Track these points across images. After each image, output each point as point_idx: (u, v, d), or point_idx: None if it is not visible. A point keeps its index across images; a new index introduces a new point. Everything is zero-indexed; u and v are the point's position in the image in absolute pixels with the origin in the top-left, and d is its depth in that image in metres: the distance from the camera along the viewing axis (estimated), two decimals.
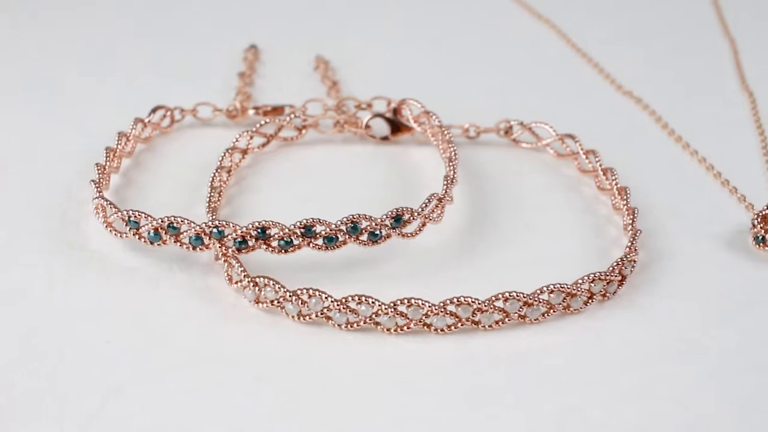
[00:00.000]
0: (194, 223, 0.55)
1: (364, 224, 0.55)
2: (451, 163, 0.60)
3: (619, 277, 0.56)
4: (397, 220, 0.56)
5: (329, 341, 0.53)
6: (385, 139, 0.67)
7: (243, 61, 0.74)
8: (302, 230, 0.55)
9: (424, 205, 0.57)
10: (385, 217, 0.55)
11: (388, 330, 0.53)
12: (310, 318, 0.53)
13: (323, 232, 0.55)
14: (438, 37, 0.80)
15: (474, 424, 0.49)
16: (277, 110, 0.68)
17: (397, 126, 0.67)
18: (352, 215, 0.55)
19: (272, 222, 0.55)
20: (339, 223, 0.55)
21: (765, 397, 0.51)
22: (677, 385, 0.51)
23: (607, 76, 0.75)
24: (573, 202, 0.63)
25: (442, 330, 0.53)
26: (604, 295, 0.55)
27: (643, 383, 0.51)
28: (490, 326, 0.53)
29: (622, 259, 0.56)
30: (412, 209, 0.56)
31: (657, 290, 0.57)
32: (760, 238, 0.60)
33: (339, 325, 0.53)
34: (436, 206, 0.57)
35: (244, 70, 0.73)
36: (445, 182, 0.58)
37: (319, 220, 0.55)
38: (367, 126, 0.67)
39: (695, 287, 0.57)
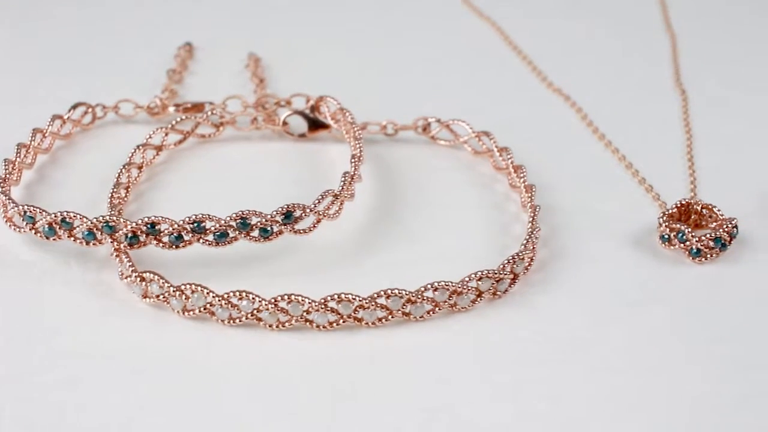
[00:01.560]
0: (86, 218, 0.55)
1: (254, 220, 0.55)
2: (353, 161, 0.60)
3: (511, 275, 0.55)
4: (288, 216, 0.55)
5: (212, 336, 0.53)
6: (302, 136, 0.67)
7: (175, 59, 0.74)
8: (192, 226, 0.55)
9: (316, 201, 0.56)
10: (275, 213, 0.55)
11: (270, 326, 0.53)
12: (194, 313, 0.53)
13: (213, 228, 0.55)
14: (379, 35, 0.80)
15: (344, 420, 0.49)
16: (197, 107, 0.68)
17: (315, 123, 0.67)
18: (242, 211, 0.55)
19: (162, 218, 0.55)
20: (228, 218, 0.55)
21: (642, 397, 0.50)
22: (555, 384, 0.50)
23: (539, 74, 0.75)
24: (484, 200, 0.63)
25: (324, 327, 0.53)
26: (494, 293, 0.55)
27: (521, 382, 0.51)
28: (373, 323, 0.53)
29: (513, 257, 0.55)
30: (304, 205, 0.56)
31: (553, 289, 0.56)
32: (666, 237, 0.59)
33: (222, 321, 0.53)
34: (332, 203, 0.57)
35: (175, 67, 0.73)
36: (344, 179, 0.58)
37: (209, 215, 0.55)
38: (285, 123, 0.67)
39: (592, 286, 0.56)
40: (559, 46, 0.79)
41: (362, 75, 0.75)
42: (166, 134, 0.65)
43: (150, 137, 0.64)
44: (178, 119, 0.65)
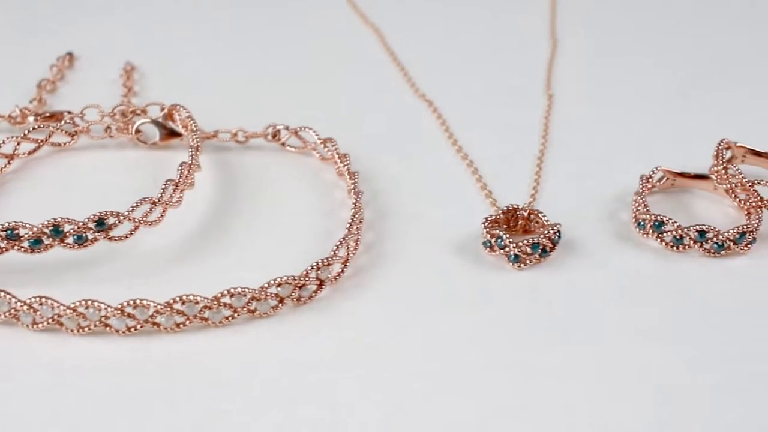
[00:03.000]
0: None
1: (67, 228, 0.56)
2: (180, 168, 0.61)
3: (317, 281, 0.56)
4: (101, 223, 0.57)
5: (15, 341, 0.54)
6: (155, 144, 0.68)
7: (51, 69, 0.76)
8: (5, 233, 0.56)
9: (131, 208, 0.57)
10: (87, 220, 0.57)
11: (71, 330, 0.54)
12: (0, 318, 0.55)
13: (27, 235, 0.56)
14: (266, 42, 0.81)
15: (111, 426, 0.50)
16: (55, 116, 0.70)
17: (170, 131, 0.68)
18: (54, 218, 0.56)
19: None
20: (41, 226, 0.56)
21: (433, 403, 0.50)
22: (337, 391, 0.51)
23: (409, 80, 0.75)
24: (320, 206, 0.63)
25: (123, 331, 0.54)
26: (298, 299, 0.55)
27: (303, 389, 0.51)
28: (171, 328, 0.54)
29: (317, 263, 0.56)
30: (118, 213, 0.57)
31: (362, 294, 0.56)
32: (488, 243, 0.59)
33: (27, 326, 0.54)
34: (151, 210, 0.58)
35: (49, 77, 0.75)
36: (164, 186, 0.59)
37: (23, 223, 0.56)
38: (138, 131, 0.68)
39: (405, 292, 0.57)
40: (439, 52, 0.79)
41: (238, 82, 0.76)
42: (18, 143, 0.66)
43: (0, 146, 0.66)
44: (32, 128, 0.67)
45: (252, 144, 0.68)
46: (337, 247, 0.57)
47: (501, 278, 0.58)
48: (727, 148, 0.64)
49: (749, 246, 0.59)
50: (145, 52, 0.79)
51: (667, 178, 0.64)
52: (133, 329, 0.54)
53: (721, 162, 0.63)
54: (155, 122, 0.68)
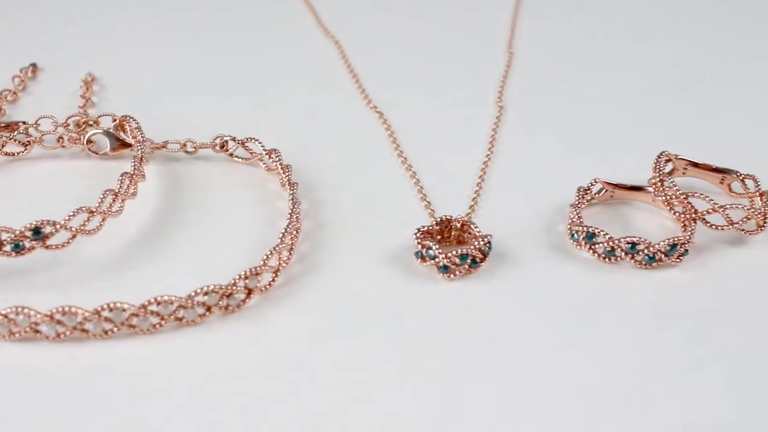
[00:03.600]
0: None
1: (4, 236, 0.58)
2: (120, 178, 0.62)
3: (245, 290, 0.57)
4: (37, 232, 0.58)
5: None
6: (105, 154, 0.70)
7: (12, 79, 0.77)
8: None
9: (67, 218, 0.59)
10: (24, 229, 0.58)
11: (2, 336, 0.55)
12: None
13: None
14: (231, 54, 0.83)
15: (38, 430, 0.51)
16: (10, 126, 0.71)
17: (122, 142, 0.70)
18: None
19: None
20: None
21: (346, 414, 0.51)
22: (254, 400, 0.52)
23: (363, 92, 0.76)
24: (262, 216, 0.64)
25: (53, 338, 0.55)
26: (226, 308, 0.56)
27: (227, 397, 0.52)
28: (100, 335, 0.55)
29: (245, 273, 0.57)
30: (55, 222, 0.58)
31: (292, 303, 0.57)
32: (420, 253, 0.60)
33: None
34: (89, 219, 0.59)
35: (11, 88, 0.76)
36: (103, 195, 0.60)
37: None
38: (90, 141, 0.69)
39: (332, 302, 0.58)
40: (396, 63, 0.80)
41: (198, 92, 0.78)
42: None
43: None
44: None
45: (201, 154, 0.70)
46: (267, 257, 0.58)
47: (431, 288, 0.58)
48: (668, 161, 0.65)
49: (681, 258, 0.60)
50: (108, 63, 0.81)
51: (606, 190, 0.65)
52: (62, 336, 0.55)
53: (658, 174, 0.63)
54: (107, 133, 0.70)
